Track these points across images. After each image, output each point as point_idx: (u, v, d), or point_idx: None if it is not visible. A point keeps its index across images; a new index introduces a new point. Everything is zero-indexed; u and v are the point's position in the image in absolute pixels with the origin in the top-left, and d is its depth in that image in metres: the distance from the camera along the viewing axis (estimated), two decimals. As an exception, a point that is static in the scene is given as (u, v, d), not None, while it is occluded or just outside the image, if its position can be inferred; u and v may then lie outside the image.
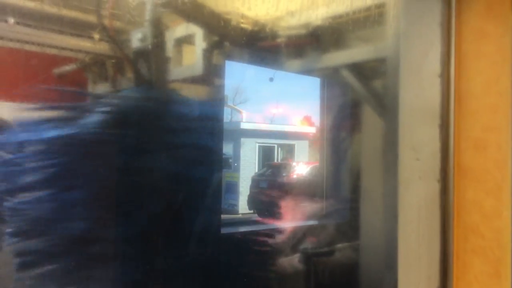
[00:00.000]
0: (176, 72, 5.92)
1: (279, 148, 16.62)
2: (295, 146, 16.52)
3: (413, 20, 2.16)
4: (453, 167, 2.02)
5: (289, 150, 16.66)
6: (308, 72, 5.84)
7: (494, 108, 1.93)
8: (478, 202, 1.95)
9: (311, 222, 5.82)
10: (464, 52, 2.01)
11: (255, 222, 13.30)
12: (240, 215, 14.48)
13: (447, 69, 2.04)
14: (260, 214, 13.89)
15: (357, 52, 4.96)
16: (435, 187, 2.05)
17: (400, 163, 2.18)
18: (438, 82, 2.04)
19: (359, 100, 5.60)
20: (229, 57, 5.13)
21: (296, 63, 5.50)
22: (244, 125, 15.65)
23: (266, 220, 13.39)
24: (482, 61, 1.96)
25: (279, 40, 5.18)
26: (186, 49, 5.97)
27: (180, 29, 5.75)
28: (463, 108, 2.00)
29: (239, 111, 16.97)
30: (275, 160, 16.21)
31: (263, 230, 5.40)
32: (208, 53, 5.23)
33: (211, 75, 5.21)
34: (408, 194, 2.14)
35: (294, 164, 14.54)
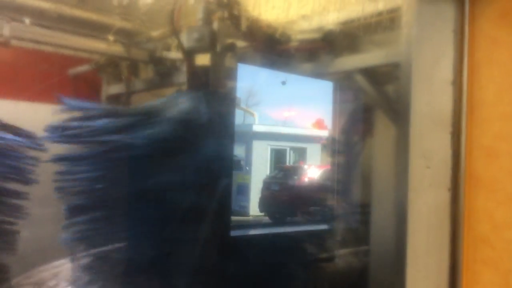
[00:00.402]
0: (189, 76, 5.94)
1: (291, 151, 16.57)
2: (307, 149, 16.46)
3: (425, 26, 2.14)
4: (464, 176, 1.99)
5: (301, 153, 16.60)
6: (320, 75, 5.81)
7: (507, 117, 1.90)
8: (489, 212, 1.93)
9: (322, 227, 5.78)
10: (477, 59, 1.98)
11: (265, 225, 13.26)
12: (250, 217, 14.45)
13: (459, 77, 2.01)
14: (270, 217, 13.86)
15: (368, 57, 4.93)
16: (446, 195, 2.02)
17: (410, 171, 2.16)
18: (450, 90, 2.02)
19: (371, 104, 5.56)
20: (242, 60, 5.13)
21: (309, 66, 5.48)
22: (257, 128, 15.61)
23: (276, 223, 13.36)
24: (495, 69, 1.93)
25: (292, 44, 5.17)
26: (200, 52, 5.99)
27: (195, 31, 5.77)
28: (475, 116, 1.98)
29: (252, 114, 16.96)
30: (287, 163, 16.16)
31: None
32: (221, 56, 5.24)
33: (223, 78, 5.21)
34: (418, 202, 2.11)
35: (306, 167, 14.49)
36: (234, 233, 4.83)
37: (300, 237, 5.17)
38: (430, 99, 2.10)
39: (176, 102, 4.60)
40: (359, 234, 5.19)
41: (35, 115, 5.41)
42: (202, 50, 5.11)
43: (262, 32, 4.88)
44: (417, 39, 2.18)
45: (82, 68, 5.62)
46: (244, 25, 4.83)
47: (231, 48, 4.99)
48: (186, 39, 5.48)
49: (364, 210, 5.31)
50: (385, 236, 4.14)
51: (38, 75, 5.37)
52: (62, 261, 3.65)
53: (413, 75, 2.18)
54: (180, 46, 5.07)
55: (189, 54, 5.52)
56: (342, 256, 5.03)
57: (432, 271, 2.03)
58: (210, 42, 4.80)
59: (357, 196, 5.76)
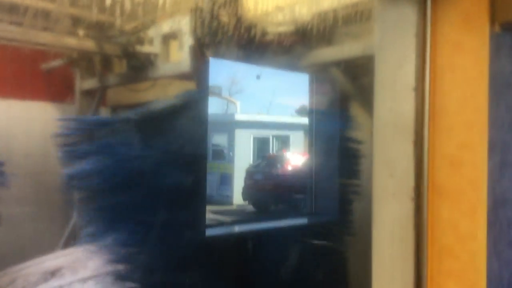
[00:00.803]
0: (165, 68, 5.83)
1: (274, 139, 16.50)
2: (290, 137, 16.39)
3: (387, 30, 2.06)
4: (427, 185, 1.93)
5: (284, 141, 16.55)
6: (295, 68, 5.75)
7: (470, 125, 1.83)
8: (453, 222, 1.87)
9: (301, 221, 5.75)
10: (440, 65, 1.91)
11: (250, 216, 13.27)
12: (234, 206, 14.42)
13: (421, 83, 1.94)
14: (254, 206, 13.82)
15: (343, 49, 4.87)
16: (409, 205, 1.96)
17: (373, 179, 2.10)
18: (413, 96, 1.95)
19: (347, 96, 5.53)
20: (215, 54, 5.04)
21: (284, 59, 5.41)
22: (239, 117, 15.51)
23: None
24: (458, 75, 1.86)
25: (267, 36, 5.09)
26: (173, 45, 5.87)
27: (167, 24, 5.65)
28: (438, 124, 1.91)
29: (234, 102, 16.81)
30: (270, 152, 16.10)
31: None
32: (194, 50, 5.14)
33: (196, 71, 5.13)
34: (381, 212, 2.06)
35: (289, 155, 14.43)
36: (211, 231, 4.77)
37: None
38: (392, 106, 2.03)
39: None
40: (336, 230, 5.17)
41: (8, 112, 5.26)
42: (182, 44, 5.01)
43: (239, 25, 4.78)
44: (380, 43, 2.10)
45: (56, 63, 5.48)
46: (223, 19, 4.73)
47: (210, 41, 4.89)
48: (166, 34, 5.37)
49: (344, 202, 5.29)
50: (362, 230, 4.10)
51: (10, 72, 5.20)
52: (22, 265, 3.59)
53: (375, 81, 2.11)
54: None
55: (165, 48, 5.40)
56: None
57: (397, 283, 1.98)
58: (192, 37, 4.71)
59: (336, 187, 5.72)
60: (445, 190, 1.89)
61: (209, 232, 4.75)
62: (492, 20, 1.83)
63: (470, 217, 1.83)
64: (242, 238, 4.76)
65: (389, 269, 2.00)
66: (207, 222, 4.66)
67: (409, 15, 1.97)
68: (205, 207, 4.66)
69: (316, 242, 5.04)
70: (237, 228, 5.49)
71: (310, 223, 5.35)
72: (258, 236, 4.76)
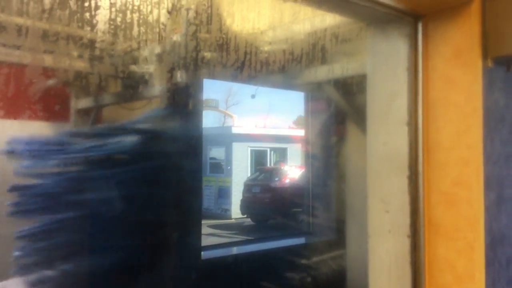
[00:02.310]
0: (159, 87, 5.81)
1: (272, 152, 16.47)
2: (287, 149, 16.37)
3: (379, 63, 2.03)
4: (423, 223, 1.89)
5: (281, 154, 16.52)
6: (290, 87, 5.73)
7: (464, 161, 1.79)
8: (450, 261, 1.83)
9: (299, 241, 5.70)
10: (432, 100, 1.87)
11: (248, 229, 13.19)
12: (233, 220, 14.35)
13: (414, 118, 1.90)
14: (253, 219, 13.76)
15: (336, 68, 4.85)
16: (405, 242, 1.92)
17: (369, 214, 2.05)
18: (406, 131, 1.91)
19: (341, 113, 5.51)
20: (208, 74, 5.02)
21: (278, 78, 5.39)
22: (236, 130, 15.49)
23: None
24: (451, 110, 1.83)
25: (261, 55, 5.06)
26: (166, 64, 5.84)
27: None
28: (432, 160, 1.87)
29: (230, 116, 16.77)
30: (268, 164, 16.06)
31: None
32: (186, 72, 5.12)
33: (190, 91, 5.10)
34: (378, 248, 2.01)
35: (286, 168, 14.39)
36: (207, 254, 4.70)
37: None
38: (386, 140, 1.99)
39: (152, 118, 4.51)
40: (335, 247, 5.11)
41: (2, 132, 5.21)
42: (177, 64, 4.99)
43: (231, 44, 4.75)
44: (372, 76, 2.07)
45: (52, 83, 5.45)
46: (215, 38, 4.71)
47: (205, 62, 4.87)
48: (159, 54, 5.35)
49: (340, 222, 5.24)
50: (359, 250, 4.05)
51: (3, 92, 5.17)
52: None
53: (368, 113, 2.08)
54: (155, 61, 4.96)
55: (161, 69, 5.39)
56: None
57: (394, 322, 1.93)
58: (185, 56, 4.68)
59: (333, 207, 5.67)
60: (442, 227, 1.85)
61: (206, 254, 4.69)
62: (485, 54, 1.79)
63: (467, 255, 1.78)
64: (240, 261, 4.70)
65: (386, 308, 1.95)
66: (205, 239, 4.60)
67: (401, 48, 1.94)
68: (200, 227, 4.60)
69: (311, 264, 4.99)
70: (235, 250, 5.42)
71: (307, 243, 5.31)
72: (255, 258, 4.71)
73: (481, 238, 1.78)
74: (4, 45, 4.96)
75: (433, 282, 1.86)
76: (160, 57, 5.78)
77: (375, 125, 2.05)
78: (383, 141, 2.01)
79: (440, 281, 1.85)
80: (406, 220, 1.92)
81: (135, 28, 5.02)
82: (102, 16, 4.29)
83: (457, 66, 1.82)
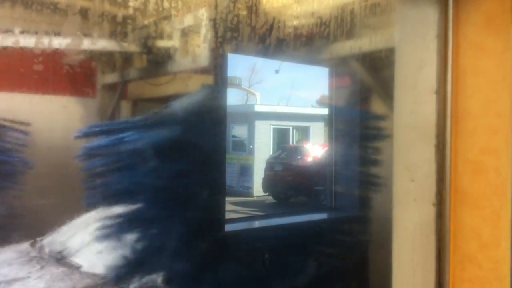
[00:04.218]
0: (184, 63, 5.84)
1: (294, 130, 16.45)
2: (310, 127, 16.33)
3: (408, 30, 2.01)
4: (449, 191, 1.89)
5: (304, 132, 16.49)
6: (315, 62, 5.70)
7: (493, 130, 1.78)
8: (475, 229, 1.83)
9: (321, 216, 5.70)
10: (462, 68, 1.86)
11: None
12: (254, 198, 14.45)
13: (443, 86, 1.89)
14: (274, 197, 13.82)
15: (363, 42, 4.80)
16: (431, 211, 1.92)
17: (394, 183, 2.06)
18: (434, 99, 1.90)
19: (367, 89, 5.47)
20: (233, 49, 5.02)
21: (302, 53, 5.36)
22: (259, 108, 15.49)
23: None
24: (480, 78, 1.81)
25: (286, 30, 5.03)
26: (192, 39, 5.87)
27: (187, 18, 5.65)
28: (460, 128, 1.86)
29: (253, 94, 16.75)
30: (290, 143, 16.06)
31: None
32: (211, 45, 5.13)
33: (214, 66, 5.12)
34: (402, 217, 2.02)
35: (309, 146, 14.38)
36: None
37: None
38: (413, 109, 1.99)
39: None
40: (357, 224, 5.12)
41: (31, 106, 5.37)
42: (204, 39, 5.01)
43: (257, 18, 4.74)
44: (400, 44, 2.06)
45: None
46: (241, 12, 4.70)
47: (228, 36, 4.88)
48: (185, 28, 5.37)
49: (364, 196, 5.24)
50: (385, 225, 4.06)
51: (32, 69, 5.30)
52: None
53: (396, 82, 2.07)
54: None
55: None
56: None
57: (418, 289, 1.95)
58: (210, 31, 4.70)
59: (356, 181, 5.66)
60: (468, 196, 1.85)
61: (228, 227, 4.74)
62: (517, 21, 1.76)
63: (493, 223, 1.78)
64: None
65: (410, 275, 1.96)
66: (227, 215, 4.65)
67: (430, 15, 1.92)
68: (224, 201, 4.65)
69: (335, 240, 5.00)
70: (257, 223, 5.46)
71: (329, 218, 5.31)
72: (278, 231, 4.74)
73: (508, 206, 1.77)
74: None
75: (458, 250, 1.87)
76: (185, 31, 5.80)
77: (403, 94, 2.04)
78: (410, 110, 2.01)
79: (465, 249, 1.85)
80: (432, 188, 1.92)
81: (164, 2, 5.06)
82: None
83: (488, 33, 1.79)
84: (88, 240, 4.09)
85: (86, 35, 5.45)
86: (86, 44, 5.76)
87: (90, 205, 4.19)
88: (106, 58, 6.62)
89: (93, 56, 6.46)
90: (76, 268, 3.80)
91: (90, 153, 4.16)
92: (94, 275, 3.73)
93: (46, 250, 4.07)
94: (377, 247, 4.73)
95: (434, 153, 1.91)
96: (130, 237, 3.92)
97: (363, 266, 4.77)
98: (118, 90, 6.81)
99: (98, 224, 3.93)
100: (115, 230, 3.88)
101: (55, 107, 6.27)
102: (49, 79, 6.25)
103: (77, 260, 3.90)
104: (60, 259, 3.95)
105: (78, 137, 4.16)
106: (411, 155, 2.00)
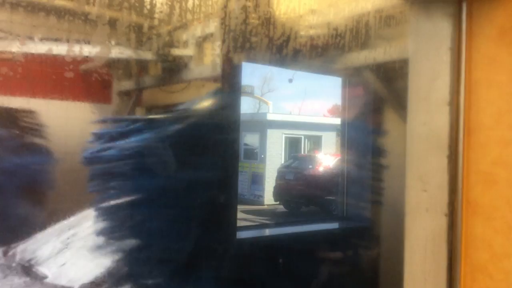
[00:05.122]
0: (198, 71, 5.91)
1: (306, 140, 16.46)
2: (322, 137, 16.33)
3: (421, 42, 2.04)
4: (461, 202, 1.91)
5: (316, 141, 16.49)
6: (329, 72, 5.73)
7: (505, 142, 1.80)
8: (487, 240, 1.84)
9: (331, 225, 5.72)
10: (475, 80, 1.88)
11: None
12: (265, 207, 14.45)
13: (456, 98, 1.92)
14: (285, 206, 13.83)
15: (377, 52, 4.83)
16: (443, 221, 1.94)
17: (406, 193, 2.08)
18: (447, 111, 1.93)
19: (380, 100, 5.48)
20: (247, 58, 5.07)
21: (315, 63, 5.39)
22: (271, 116, 15.53)
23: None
24: (493, 90, 1.83)
25: (300, 40, 5.08)
26: (206, 48, 5.93)
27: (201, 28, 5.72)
28: (473, 140, 1.89)
29: (265, 102, 16.80)
30: (302, 152, 16.06)
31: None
32: (226, 54, 5.18)
33: (228, 74, 5.17)
34: (414, 227, 2.04)
35: (321, 155, 14.38)
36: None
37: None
38: (426, 120, 2.01)
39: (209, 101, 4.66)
40: (368, 235, 5.12)
41: (48, 110, 5.49)
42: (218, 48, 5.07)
43: (271, 28, 4.79)
44: (414, 56, 2.09)
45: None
46: (255, 22, 4.75)
47: (242, 45, 4.93)
48: (200, 36, 5.43)
49: (375, 206, 5.24)
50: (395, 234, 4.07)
51: (50, 75, 5.41)
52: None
53: (409, 93, 2.10)
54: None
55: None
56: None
57: (429, 299, 1.96)
58: (224, 40, 4.76)
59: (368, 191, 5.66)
60: (480, 207, 1.87)
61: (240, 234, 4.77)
62: (530, 34, 1.79)
63: (504, 234, 1.80)
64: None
65: (421, 285, 1.98)
66: (238, 223, 4.69)
67: (444, 28, 1.95)
68: (236, 208, 4.69)
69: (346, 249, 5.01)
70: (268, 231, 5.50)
71: (340, 229, 5.33)
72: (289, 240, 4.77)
73: (519, 217, 1.79)
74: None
75: (469, 260, 1.88)
76: (200, 41, 5.87)
77: (416, 105, 2.06)
78: (423, 121, 2.03)
79: (476, 259, 1.87)
80: (444, 198, 1.94)
81: (180, 12, 5.12)
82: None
83: (501, 46, 1.82)
84: (59, 249, 3.92)
85: (108, 44, 5.55)
86: (107, 52, 5.85)
87: (99, 209, 4.25)
88: (122, 66, 6.72)
89: (110, 63, 6.57)
90: (41, 278, 3.58)
91: (99, 158, 4.23)
92: (55, 287, 3.54)
93: (17, 258, 3.87)
94: (388, 257, 4.74)
95: (446, 163, 1.93)
96: (134, 244, 3.96)
97: (374, 275, 4.78)
98: (133, 97, 6.90)
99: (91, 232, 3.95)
100: (120, 237, 3.93)
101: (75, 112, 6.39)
102: (68, 86, 6.34)
103: (44, 269, 3.71)
104: (28, 267, 3.72)
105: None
106: (423, 165, 2.02)
